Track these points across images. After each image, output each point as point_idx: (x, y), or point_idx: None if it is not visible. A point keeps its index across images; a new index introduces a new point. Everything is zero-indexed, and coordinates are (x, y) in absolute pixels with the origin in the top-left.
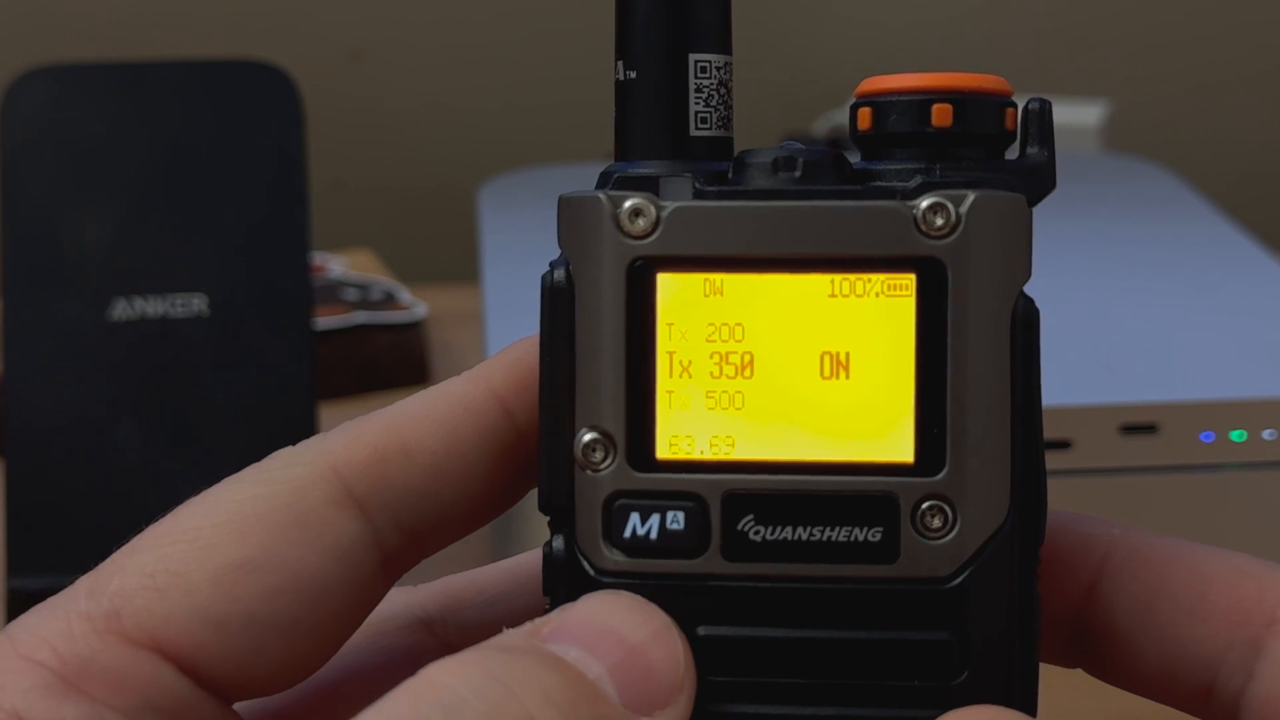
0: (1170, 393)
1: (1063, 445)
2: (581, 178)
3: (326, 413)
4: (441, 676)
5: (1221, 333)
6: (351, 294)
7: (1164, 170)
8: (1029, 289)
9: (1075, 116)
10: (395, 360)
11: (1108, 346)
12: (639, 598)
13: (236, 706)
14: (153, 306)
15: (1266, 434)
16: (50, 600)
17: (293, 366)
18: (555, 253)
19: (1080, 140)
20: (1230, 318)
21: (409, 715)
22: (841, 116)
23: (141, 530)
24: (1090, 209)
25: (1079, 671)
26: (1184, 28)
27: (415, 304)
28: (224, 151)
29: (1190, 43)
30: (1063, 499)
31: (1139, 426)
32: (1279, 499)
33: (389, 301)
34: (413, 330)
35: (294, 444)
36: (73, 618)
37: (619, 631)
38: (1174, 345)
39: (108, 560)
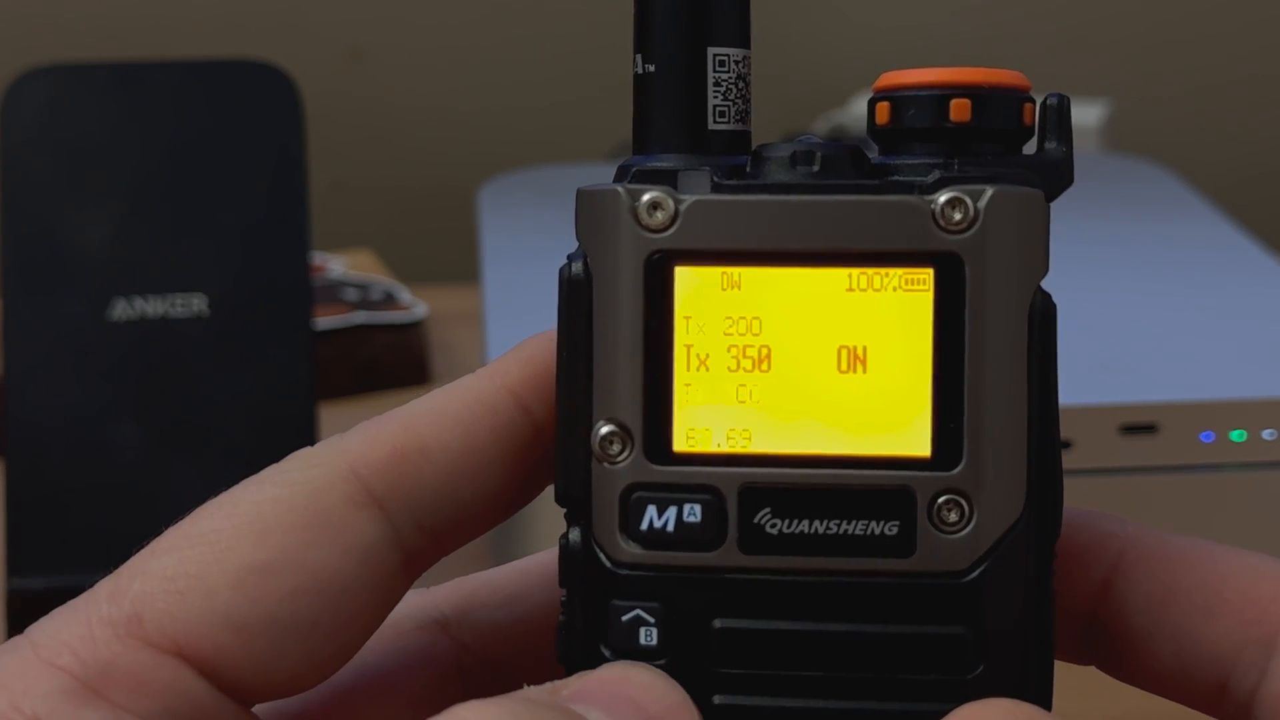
0: (1170, 393)
1: (1063, 445)
2: (582, 178)
3: (326, 413)
4: (469, 715)
5: (1221, 333)
6: (351, 294)
7: (1164, 170)
8: None
9: (1075, 116)
10: (395, 360)
11: (1108, 346)
12: (659, 671)
13: (254, 709)
14: (153, 306)
15: (1266, 434)
16: (70, 604)
17: (293, 366)
18: (555, 252)
19: (1080, 140)
20: (1230, 318)
21: None
22: (842, 117)
23: (149, 531)
24: (1090, 209)
25: (1087, 670)
26: (1184, 28)
27: (415, 304)
28: (224, 151)
29: (1190, 43)
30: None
31: (1139, 426)
32: (1279, 499)
33: (389, 301)
34: (413, 330)
35: (294, 444)
36: (94, 622)
37: (639, 701)
38: (1174, 345)
39: (127, 563)
